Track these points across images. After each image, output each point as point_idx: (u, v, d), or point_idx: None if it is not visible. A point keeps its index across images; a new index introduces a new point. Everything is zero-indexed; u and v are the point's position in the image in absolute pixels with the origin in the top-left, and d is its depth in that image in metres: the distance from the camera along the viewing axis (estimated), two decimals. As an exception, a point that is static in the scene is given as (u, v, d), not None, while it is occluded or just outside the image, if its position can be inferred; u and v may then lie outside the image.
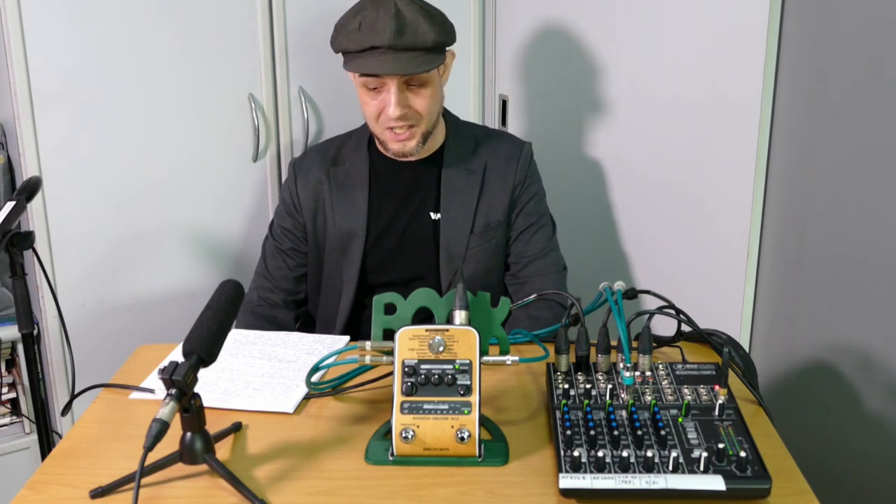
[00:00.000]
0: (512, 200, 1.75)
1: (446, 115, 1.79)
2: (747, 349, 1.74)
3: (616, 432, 1.06)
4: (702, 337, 1.33)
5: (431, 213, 1.75)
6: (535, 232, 1.77)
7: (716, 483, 0.98)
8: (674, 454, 1.02)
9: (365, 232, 1.74)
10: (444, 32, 1.61)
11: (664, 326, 1.35)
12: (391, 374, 1.16)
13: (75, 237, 1.94)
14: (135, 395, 1.30)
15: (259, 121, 2.07)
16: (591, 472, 1.01)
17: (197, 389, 1.02)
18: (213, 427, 1.09)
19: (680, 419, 1.10)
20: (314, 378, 1.26)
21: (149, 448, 0.95)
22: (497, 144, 1.79)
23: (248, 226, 2.14)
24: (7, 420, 2.09)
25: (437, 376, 1.11)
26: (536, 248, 1.77)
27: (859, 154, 1.50)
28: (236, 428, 1.18)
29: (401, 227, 1.75)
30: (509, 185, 1.75)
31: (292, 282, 1.82)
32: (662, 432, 1.06)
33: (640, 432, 1.06)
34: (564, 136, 2.13)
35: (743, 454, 1.01)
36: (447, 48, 1.67)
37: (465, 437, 1.08)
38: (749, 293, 1.76)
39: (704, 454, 1.01)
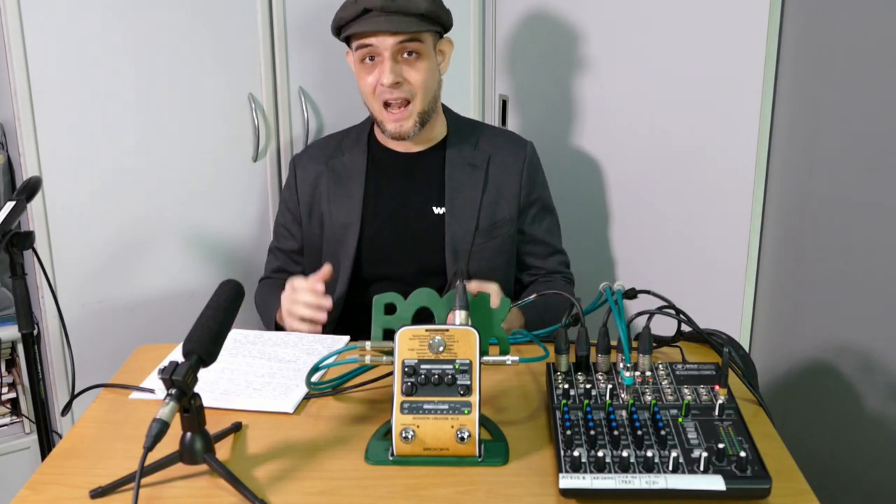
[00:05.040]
0: (521, 207, 1.77)
1: (446, 110, 1.80)
2: (747, 349, 1.74)
3: (616, 432, 1.06)
4: (702, 337, 1.33)
5: (435, 208, 1.74)
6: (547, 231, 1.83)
7: (716, 483, 0.98)
8: (674, 454, 1.02)
9: (360, 223, 1.73)
10: (437, 4, 1.64)
11: (664, 326, 1.35)
12: (391, 374, 1.15)
13: (75, 237, 1.93)
14: (135, 395, 1.30)
15: (259, 121, 2.07)
16: (591, 472, 1.01)
17: (197, 389, 1.02)
18: (213, 427, 1.09)
19: (680, 419, 1.10)
20: (314, 378, 1.26)
21: (149, 448, 0.95)
22: (499, 140, 1.79)
23: (248, 225, 2.14)
24: (7, 420, 2.09)
25: (437, 376, 1.11)
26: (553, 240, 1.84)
27: (859, 153, 1.50)
28: (236, 428, 1.18)
29: (402, 220, 1.74)
30: (516, 187, 1.75)
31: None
32: (662, 432, 1.06)
33: (640, 432, 1.06)
34: (564, 136, 2.13)
35: (743, 454, 1.01)
36: (445, 35, 1.70)
37: (465, 437, 1.08)
38: (749, 293, 1.76)
39: (704, 454, 1.01)
